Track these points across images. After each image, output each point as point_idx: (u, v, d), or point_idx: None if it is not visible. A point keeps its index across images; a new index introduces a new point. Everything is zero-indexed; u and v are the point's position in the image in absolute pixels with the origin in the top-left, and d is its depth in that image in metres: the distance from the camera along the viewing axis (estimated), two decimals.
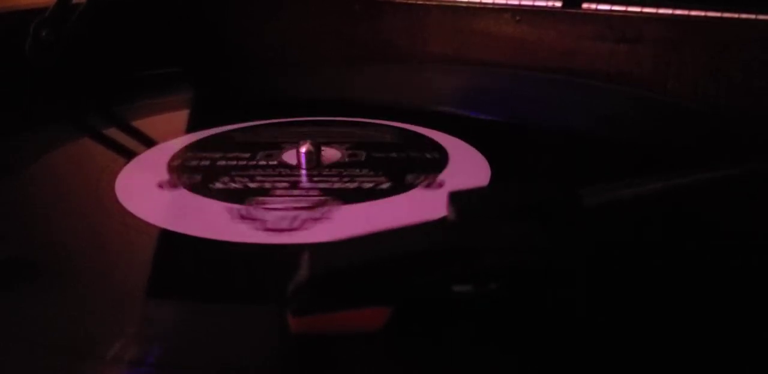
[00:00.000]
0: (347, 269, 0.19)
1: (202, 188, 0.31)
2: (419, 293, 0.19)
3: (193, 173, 0.33)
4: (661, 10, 0.45)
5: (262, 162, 0.34)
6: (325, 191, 0.30)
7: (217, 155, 0.35)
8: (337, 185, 0.31)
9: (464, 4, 0.51)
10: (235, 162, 0.34)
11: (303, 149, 0.33)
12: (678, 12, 0.45)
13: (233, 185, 0.31)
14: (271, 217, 0.28)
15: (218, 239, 0.26)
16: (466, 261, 0.19)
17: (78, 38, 0.44)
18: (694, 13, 0.44)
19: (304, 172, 0.33)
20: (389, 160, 0.34)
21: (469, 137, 0.36)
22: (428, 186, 0.31)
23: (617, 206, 0.23)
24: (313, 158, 0.33)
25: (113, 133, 0.40)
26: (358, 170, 0.33)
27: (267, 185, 0.31)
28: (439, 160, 0.34)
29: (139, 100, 0.45)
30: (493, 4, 0.50)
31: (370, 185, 0.31)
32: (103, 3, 0.45)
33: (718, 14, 0.44)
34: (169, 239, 0.27)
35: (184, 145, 0.37)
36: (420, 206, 0.29)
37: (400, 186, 0.31)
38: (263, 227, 0.27)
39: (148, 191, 0.31)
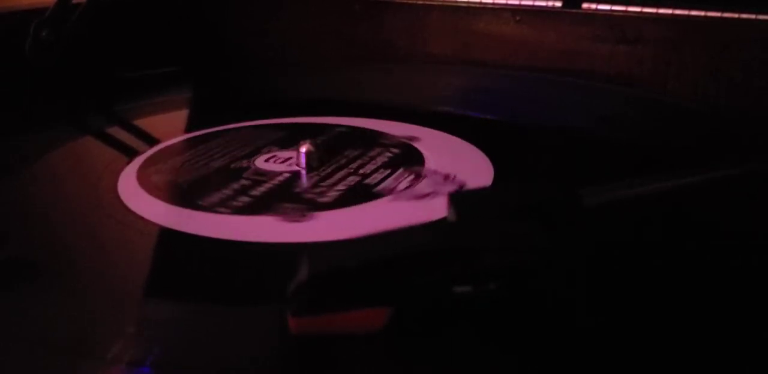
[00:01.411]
0: (347, 269, 0.19)
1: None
2: (419, 293, 0.19)
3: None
4: (661, 10, 0.45)
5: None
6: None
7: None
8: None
9: (464, 4, 0.51)
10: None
11: (303, 149, 0.33)
12: (678, 12, 0.45)
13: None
14: None
15: (220, 238, 0.26)
16: (465, 261, 0.19)
17: (78, 38, 0.44)
18: (694, 13, 0.44)
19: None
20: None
21: (470, 137, 0.36)
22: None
23: (617, 206, 0.23)
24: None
25: (113, 133, 0.40)
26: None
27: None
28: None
29: (139, 100, 0.45)
30: (493, 4, 0.50)
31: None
32: (103, 3, 0.45)
33: (718, 14, 0.44)
34: (168, 238, 0.27)
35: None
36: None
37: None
38: None
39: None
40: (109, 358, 0.19)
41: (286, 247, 0.26)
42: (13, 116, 0.41)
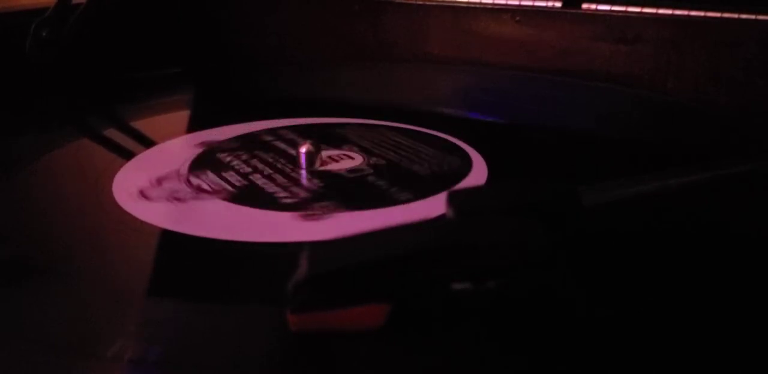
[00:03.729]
0: (346, 266, 0.19)
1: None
2: (418, 290, 0.19)
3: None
4: (661, 11, 0.45)
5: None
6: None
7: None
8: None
9: (464, 4, 0.51)
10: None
11: (303, 149, 0.33)
12: (677, 12, 0.45)
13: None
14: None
15: (217, 238, 0.26)
16: (464, 259, 0.19)
17: (78, 38, 0.44)
18: (693, 13, 0.45)
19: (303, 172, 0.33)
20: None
21: (467, 137, 0.36)
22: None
23: (617, 204, 0.23)
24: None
25: (113, 133, 0.40)
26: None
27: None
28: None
29: (139, 100, 0.45)
30: (493, 4, 0.50)
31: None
32: (103, 3, 0.45)
33: (717, 14, 0.44)
34: (167, 238, 0.27)
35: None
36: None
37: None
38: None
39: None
40: (109, 357, 0.19)
41: (285, 246, 0.26)
42: (13, 116, 0.41)
